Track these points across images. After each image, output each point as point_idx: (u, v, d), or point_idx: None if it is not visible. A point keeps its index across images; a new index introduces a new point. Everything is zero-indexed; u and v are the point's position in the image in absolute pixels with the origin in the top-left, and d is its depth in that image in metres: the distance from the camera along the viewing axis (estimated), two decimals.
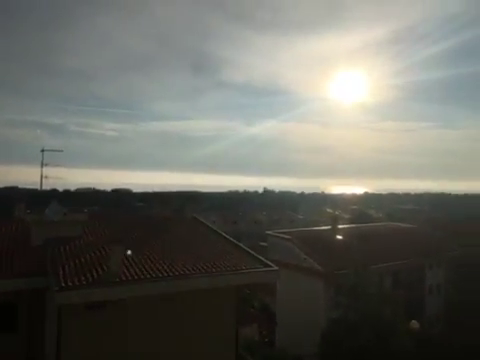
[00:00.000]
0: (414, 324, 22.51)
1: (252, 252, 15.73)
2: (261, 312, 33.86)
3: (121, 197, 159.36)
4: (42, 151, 21.96)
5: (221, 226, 67.35)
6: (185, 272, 13.01)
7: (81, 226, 15.80)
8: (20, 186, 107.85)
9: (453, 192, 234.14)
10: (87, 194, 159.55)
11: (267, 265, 14.59)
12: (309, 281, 28.11)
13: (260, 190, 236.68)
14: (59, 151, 24.31)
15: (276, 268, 14.59)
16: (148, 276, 12.37)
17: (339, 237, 32.19)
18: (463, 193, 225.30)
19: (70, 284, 11.15)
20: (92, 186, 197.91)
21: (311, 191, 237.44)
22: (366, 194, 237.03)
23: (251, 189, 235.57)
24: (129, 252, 13.55)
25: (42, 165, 21.76)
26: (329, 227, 36.03)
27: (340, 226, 37.14)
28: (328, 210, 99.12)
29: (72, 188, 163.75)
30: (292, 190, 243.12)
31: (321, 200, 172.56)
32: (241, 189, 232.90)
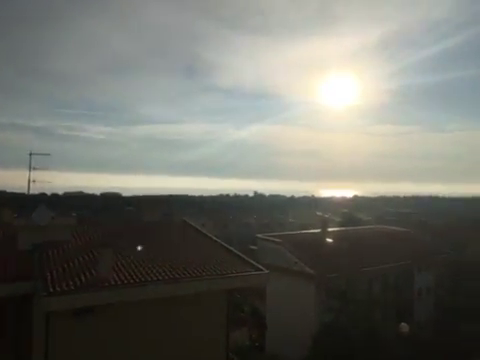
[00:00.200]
0: (404, 327, 22.57)
1: (242, 256, 15.70)
2: (251, 316, 33.72)
3: (110, 201, 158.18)
4: (30, 154, 21.67)
5: (211, 230, 67.04)
6: (175, 276, 12.92)
7: (69, 230, 15.62)
8: (8, 190, 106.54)
9: (441, 195, 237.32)
10: (75, 198, 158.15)
11: (257, 269, 14.56)
12: (300, 284, 28.06)
13: (250, 193, 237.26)
14: (47, 154, 24.01)
15: (266, 271, 14.57)
16: (137, 280, 12.26)
17: (329, 240, 32.24)
18: (452, 196, 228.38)
19: (58, 289, 11.00)
20: (81, 190, 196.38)
21: (301, 194, 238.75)
22: (356, 197, 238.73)
23: (241, 192, 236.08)
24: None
25: (30, 169, 21.45)
26: (319, 230, 36.09)
27: (330, 229, 37.21)
28: (318, 213, 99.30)
29: (60, 192, 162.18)
30: (282, 193, 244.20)
31: (311, 203, 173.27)
32: (231, 193, 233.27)
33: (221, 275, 13.66)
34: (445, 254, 37.25)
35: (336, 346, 21.95)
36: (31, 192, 24.61)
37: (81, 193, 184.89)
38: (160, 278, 12.63)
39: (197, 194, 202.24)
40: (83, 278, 11.86)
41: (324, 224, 36.70)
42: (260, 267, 14.71)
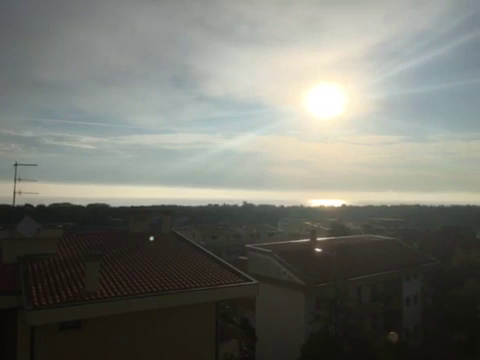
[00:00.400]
0: (393, 336, 22.59)
1: (232, 266, 15.62)
2: (241, 327, 33.47)
3: (97, 212, 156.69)
4: (15, 165, 21.26)
5: (200, 240, 66.77)
6: (163, 288, 12.78)
7: (55, 243, 15.39)
8: None
9: (428, 204, 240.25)
10: (62, 209, 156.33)
11: (247, 279, 14.49)
12: (289, 295, 28.01)
13: (240, 203, 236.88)
14: (33, 165, 23.65)
15: (256, 282, 14.51)
16: (125, 293, 12.09)
17: (318, 250, 32.30)
18: (437, 205, 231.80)
19: (44, 303, 10.80)
20: (68, 201, 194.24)
21: (291, 204, 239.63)
22: (344, 207, 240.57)
23: (230, 203, 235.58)
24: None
25: (15, 180, 21.06)
26: (308, 240, 36.16)
27: (319, 239, 37.33)
28: (307, 223, 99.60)
29: (47, 203, 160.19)
30: (272, 203, 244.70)
31: (300, 213, 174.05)
32: (220, 203, 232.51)
33: (210, 286, 13.55)
34: (431, 262, 37.57)
35: (326, 355, 21.88)
36: (17, 204, 24.19)
37: (68, 204, 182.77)
38: (148, 290, 12.48)
39: (186, 204, 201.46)
40: (69, 291, 11.67)
41: (313, 234, 36.82)
42: (249, 278, 14.64)
